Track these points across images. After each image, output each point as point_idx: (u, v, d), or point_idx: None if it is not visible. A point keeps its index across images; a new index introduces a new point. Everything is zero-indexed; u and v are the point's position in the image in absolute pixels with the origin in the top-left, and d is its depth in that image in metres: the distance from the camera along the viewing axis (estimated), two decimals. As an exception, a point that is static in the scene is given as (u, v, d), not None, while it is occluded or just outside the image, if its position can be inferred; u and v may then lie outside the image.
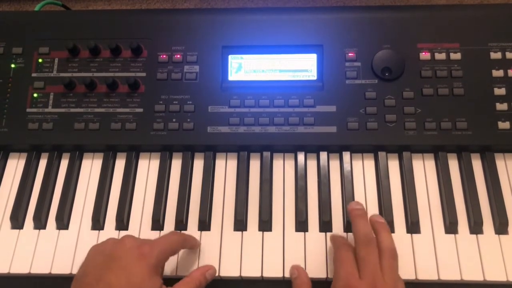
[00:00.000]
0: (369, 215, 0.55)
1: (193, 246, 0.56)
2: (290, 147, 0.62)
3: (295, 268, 0.54)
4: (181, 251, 0.56)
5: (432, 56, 0.63)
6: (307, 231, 0.58)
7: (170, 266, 0.55)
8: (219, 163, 0.63)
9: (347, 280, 0.48)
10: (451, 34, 0.64)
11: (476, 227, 0.56)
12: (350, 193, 0.59)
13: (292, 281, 0.54)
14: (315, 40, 0.65)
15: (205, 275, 0.52)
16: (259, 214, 0.59)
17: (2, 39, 0.67)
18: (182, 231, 0.58)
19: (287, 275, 0.55)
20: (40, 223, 0.60)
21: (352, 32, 0.65)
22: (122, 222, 0.59)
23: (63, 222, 0.59)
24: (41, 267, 0.57)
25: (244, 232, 0.58)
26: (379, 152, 0.62)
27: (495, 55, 0.62)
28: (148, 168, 0.63)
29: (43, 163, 0.64)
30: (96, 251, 0.50)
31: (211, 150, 0.63)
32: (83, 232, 0.59)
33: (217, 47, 0.65)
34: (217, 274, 0.55)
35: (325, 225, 0.58)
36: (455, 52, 0.63)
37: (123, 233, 0.59)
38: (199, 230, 0.58)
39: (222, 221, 0.59)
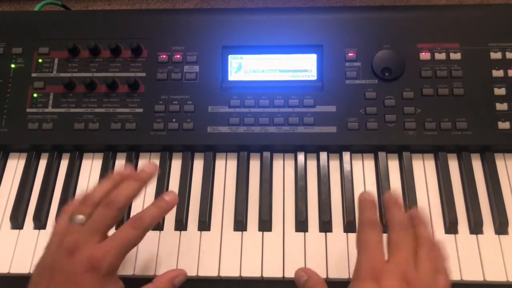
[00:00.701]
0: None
1: (163, 213, 0.50)
2: (290, 147, 0.62)
3: (302, 271, 0.50)
4: (182, 251, 0.56)
5: (432, 56, 0.63)
6: (307, 231, 0.58)
7: (170, 266, 0.55)
8: (219, 163, 0.63)
9: (372, 265, 0.42)
10: (451, 34, 0.64)
11: (476, 227, 0.56)
12: (350, 193, 0.59)
13: (304, 284, 0.49)
14: (315, 40, 0.65)
15: (172, 281, 0.49)
16: (259, 214, 0.59)
17: (2, 39, 0.67)
18: (183, 232, 0.58)
19: (287, 275, 0.55)
20: (40, 223, 0.60)
21: (352, 32, 0.65)
22: (122, 222, 0.59)
23: (63, 222, 0.59)
24: (41, 267, 0.57)
25: (244, 232, 0.58)
26: (379, 152, 0.62)
27: (495, 55, 0.62)
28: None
29: (43, 163, 0.64)
30: (46, 261, 0.45)
31: (211, 150, 0.63)
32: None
33: (217, 47, 0.65)
34: (216, 274, 0.55)
35: (325, 225, 0.58)
36: (455, 52, 0.63)
37: (123, 233, 0.59)
38: (199, 230, 0.58)
39: (222, 221, 0.59)
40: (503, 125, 0.60)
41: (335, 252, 0.56)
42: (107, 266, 0.43)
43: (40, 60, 0.66)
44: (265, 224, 0.58)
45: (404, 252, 0.43)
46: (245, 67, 0.65)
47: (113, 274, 0.45)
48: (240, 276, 0.55)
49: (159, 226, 0.59)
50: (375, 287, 0.40)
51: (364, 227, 0.46)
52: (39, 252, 0.57)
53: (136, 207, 0.60)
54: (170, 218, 0.59)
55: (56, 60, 0.66)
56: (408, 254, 0.43)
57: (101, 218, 0.46)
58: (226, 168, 0.63)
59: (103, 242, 0.45)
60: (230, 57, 0.65)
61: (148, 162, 0.49)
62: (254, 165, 0.63)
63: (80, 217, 0.46)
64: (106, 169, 0.63)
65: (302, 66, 0.64)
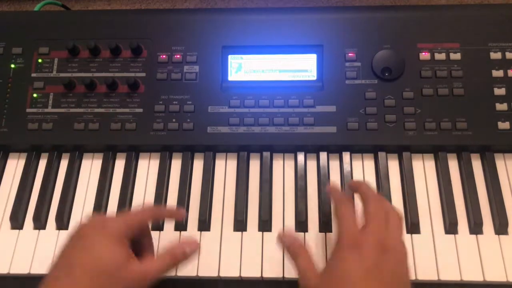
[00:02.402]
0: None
1: (172, 216, 0.55)
2: (290, 147, 0.62)
3: (280, 236, 0.51)
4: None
5: (432, 56, 0.63)
6: (307, 231, 0.58)
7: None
8: (219, 163, 0.63)
9: (353, 235, 0.47)
10: (451, 34, 0.64)
11: (476, 228, 0.56)
12: (350, 193, 0.59)
13: (287, 250, 0.50)
14: (315, 40, 0.65)
15: (185, 250, 0.49)
16: (259, 214, 0.59)
17: (2, 39, 0.67)
18: (183, 232, 0.58)
19: (287, 275, 0.55)
20: (40, 223, 0.60)
21: (352, 32, 0.65)
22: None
23: (63, 222, 0.59)
24: (40, 267, 0.57)
25: (244, 232, 0.58)
26: (379, 152, 0.62)
27: (495, 55, 0.62)
28: (148, 168, 0.63)
29: (43, 163, 0.64)
30: (68, 236, 0.49)
31: (211, 150, 0.63)
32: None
33: (217, 47, 0.65)
34: (216, 274, 0.55)
35: (325, 225, 0.58)
36: (455, 52, 0.63)
37: (123, 233, 0.59)
38: (199, 230, 0.58)
39: (222, 221, 0.59)
40: (503, 125, 0.60)
41: (335, 252, 0.56)
42: (117, 228, 0.47)
43: (40, 60, 0.66)
44: (265, 224, 0.58)
45: (378, 222, 0.48)
46: (245, 67, 0.65)
47: (123, 239, 0.47)
48: (240, 276, 0.55)
49: (159, 226, 0.59)
50: (356, 253, 0.45)
51: (339, 204, 0.51)
52: (39, 252, 0.58)
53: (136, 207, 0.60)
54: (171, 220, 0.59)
55: (56, 60, 0.66)
56: (381, 222, 0.48)
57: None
58: (226, 168, 0.63)
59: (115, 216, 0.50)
60: (230, 57, 0.65)
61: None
62: (254, 165, 0.63)
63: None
64: (106, 169, 0.63)
65: (302, 66, 0.64)
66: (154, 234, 0.58)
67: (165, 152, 0.63)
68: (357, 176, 0.61)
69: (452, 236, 0.56)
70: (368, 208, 0.49)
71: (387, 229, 0.48)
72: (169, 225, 0.59)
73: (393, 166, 0.61)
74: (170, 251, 0.49)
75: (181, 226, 0.59)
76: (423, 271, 0.54)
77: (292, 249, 0.50)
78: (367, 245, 0.45)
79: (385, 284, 0.43)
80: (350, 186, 0.55)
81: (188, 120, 0.62)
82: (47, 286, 0.44)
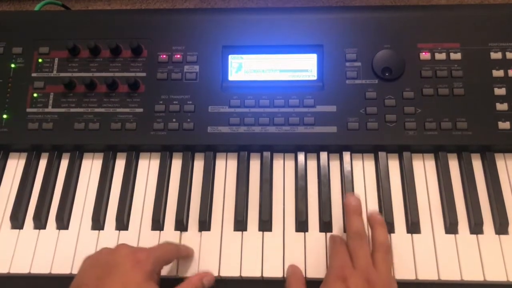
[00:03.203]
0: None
1: (188, 255, 0.56)
2: (290, 147, 0.62)
3: (290, 266, 0.55)
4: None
5: (432, 56, 0.63)
6: (307, 231, 0.58)
7: (171, 267, 0.55)
8: (219, 163, 0.63)
9: (341, 269, 0.49)
10: (451, 34, 0.64)
11: (476, 227, 0.56)
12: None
13: (287, 278, 0.54)
14: (315, 40, 0.65)
15: (202, 280, 0.52)
16: (259, 214, 0.59)
17: (2, 39, 0.67)
18: (183, 232, 0.58)
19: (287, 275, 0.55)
20: (40, 223, 0.60)
21: (352, 32, 0.65)
22: (122, 222, 0.59)
23: (63, 222, 0.59)
24: (41, 267, 0.57)
25: (244, 232, 0.58)
26: (379, 152, 0.62)
27: (495, 55, 0.62)
28: (148, 168, 0.63)
29: (43, 163, 0.64)
30: (91, 262, 0.49)
31: (211, 150, 0.63)
32: (83, 232, 0.59)
33: (217, 47, 0.65)
34: (216, 274, 0.55)
35: (325, 225, 0.58)
36: (455, 52, 0.63)
37: (123, 233, 0.59)
38: (199, 230, 0.58)
39: (222, 221, 0.59)
40: (503, 125, 0.60)
41: (335, 252, 0.56)
42: (151, 264, 0.48)
43: (40, 60, 0.66)
44: (265, 224, 0.58)
45: (363, 259, 0.50)
46: (245, 67, 0.65)
47: (154, 274, 0.49)
48: (240, 276, 0.55)
49: (159, 227, 0.59)
50: (342, 286, 0.47)
51: (335, 242, 0.53)
52: (39, 252, 0.57)
53: (136, 207, 0.60)
54: (170, 218, 0.59)
55: (56, 60, 0.66)
56: (366, 258, 0.50)
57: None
58: (226, 168, 0.63)
59: (144, 248, 0.51)
60: (230, 57, 0.65)
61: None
62: (254, 165, 0.62)
63: None
64: (106, 169, 0.63)
65: (302, 66, 0.64)
66: (155, 234, 0.58)
67: (165, 152, 0.63)
68: (358, 176, 0.61)
69: (452, 236, 0.56)
70: (350, 245, 0.51)
71: (374, 263, 0.49)
72: (169, 225, 0.59)
73: (394, 166, 0.61)
74: (189, 284, 0.51)
75: (181, 226, 0.58)
76: (423, 271, 0.54)
77: (289, 278, 0.53)
78: (354, 279, 0.47)
79: None
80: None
81: (188, 120, 0.62)
82: None
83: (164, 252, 0.52)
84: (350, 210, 0.54)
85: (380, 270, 0.49)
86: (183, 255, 0.56)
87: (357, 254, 0.50)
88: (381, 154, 0.62)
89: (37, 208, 0.60)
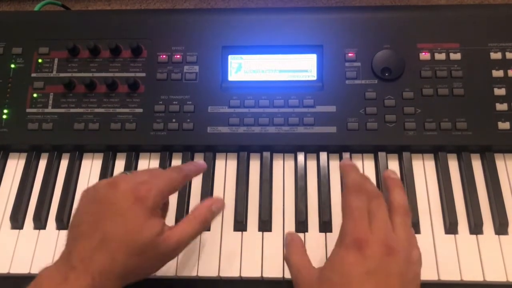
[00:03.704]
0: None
1: (197, 172, 0.52)
2: (290, 147, 0.62)
3: (288, 234, 0.52)
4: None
5: (432, 56, 0.63)
6: (307, 231, 0.58)
7: (170, 267, 0.55)
8: (219, 163, 0.63)
9: (357, 233, 0.43)
10: (451, 34, 0.64)
11: (476, 228, 0.56)
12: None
13: (286, 247, 0.50)
14: (315, 40, 0.65)
15: (211, 208, 0.49)
16: (259, 214, 0.59)
17: (2, 39, 0.67)
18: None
19: (287, 275, 0.55)
20: (40, 223, 0.60)
21: (352, 32, 0.65)
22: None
23: (63, 222, 0.59)
24: (41, 267, 0.56)
25: (244, 232, 0.58)
26: (379, 153, 0.62)
27: (495, 55, 0.62)
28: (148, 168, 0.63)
29: (43, 163, 0.64)
30: (88, 198, 0.46)
31: (211, 150, 0.63)
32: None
33: (217, 47, 0.65)
34: (216, 275, 0.55)
35: (325, 225, 0.58)
36: (455, 52, 0.63)
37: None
38: (199, 230, 0.58)
39: (222, 221, 0.59)
40: (503, 125, 0.60)
41: (335, 252, 0.56)
42: (152, 200, 0.45)
43: (40, 60, 0.66)
44: (265, 224, 0.58)
45: (381, 221, 0.44)
46: (245, 67, 0.65)
47: (157, 209, 0.46)
48: (240, 276, 0.55)
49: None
50: (358, 256, 0.41)
51: (349, 192, 0.47)
52: (39, 252, 0.57)
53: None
54: (170, 218, 0.59)
55: (56, 60, 0.66)
56: (384, 223, 0.44)
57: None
58: (226, 168, 0.63)
59: (146, 177, 0.47)
60: (230, 57, 0.65)
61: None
62: (254, 165, 0.62)
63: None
64: (106, 169, 0.63)
65: (302, 66, 0.64)
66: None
67: (165, 152, 0.63)
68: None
69: (452, 236, 0.56)
70: (368, 207, 0.45)
71: (393, 227, 0.44)
72: (169, 225, 0.59)
73: (393, 166, 0.61)
74: (197, 213, 0.48)
75: (181, 226, 0.59)
76: (423, 271, 0.54)
77: (288, 246, 0.49)
78: (371, 246, 0.42)
79: None
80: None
81: (188, 120, 0.62)
82: (79, 253, 0.42)
83: (168, 182, 0.47)
84: (351, 169, 0.49)
85: (400, 236, 0.44)
86: (192, 176, 0.52)
87: (375, 216, 0.44)
88: (381, 154, 0.62)
89: (37, 208, 0.60)
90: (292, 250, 0.49)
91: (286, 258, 0.49)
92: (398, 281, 0.41)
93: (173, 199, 0.60)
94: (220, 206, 0.50)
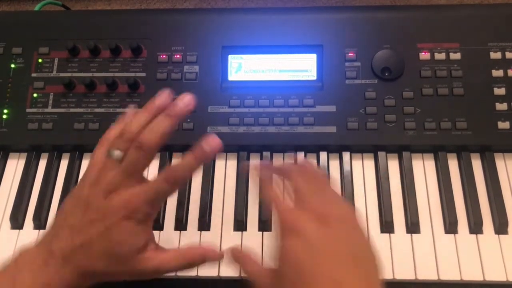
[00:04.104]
0: (369, 216, 0.56)
1: (199, 163, 0.48)
2: (290, 147, 0.62)
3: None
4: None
5: (432, 56, 0.63)
6: (307, 231, 0.58)
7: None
8: (219, 163, 0.63)
9: (287, 219, 0.43)
10: (451, 34, 0.64)
11: (476, 227, 0.56)
12: (350, 193, 0.59)
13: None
14: (315, 40, 0.65)
15: (204, 258, 0.47)
16: (259, 214, 0.59)
17: (2, 39, 0.67)
18: (183, 232, 0.58)
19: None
20: (40, 223, 0.60)
21: (352, 32, 0.65)
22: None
23: (63, 222, 0.59)
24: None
25: (244, 232, 0.58)
26: (379, 152, 0.62)
27: (495, 55, 0.62)
28: (147, 168, 0.63)
29: (43, 163, 0.64)
30: (81, 198, 0.45)
31: (211, 150, 0.63)
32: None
33: (217, 47, 0.65)
34: (216, 275, 0.55)
35: (325, 225, 0.58)
36: (455, 52, 0.63)
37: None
38: (198, 230, 0.58)
39: (222, 221, 0.59)
40: (503, 125, 0.60)
41: (335, 252, 0.56)
42: (142, 215, 0.44)
43: (40, 60, 0.66)
44: (265, 224, 0.58)
45: (308, 194, 0.44)
46: (245, 67, 0.65)
47: (146, 221, 0.45)
48: (240, 276, 0.55)
49: (159, 226, 0.59)
50: (297, 240, 0.40)
51: (263, 185, 0.49)
52: (39, 252, 0.57)
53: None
54: (170, 218, 0.59)
55: (56, 60, 0.66)
56: (311, 194, 0.44)
57: (135, 161, 0.45)
58: (226, 168, 0.63)
59: (138, 188, 0.45)
60: (230, 57, 0.65)
61: (184, 94, 0.48)
62: (254, 165, 0.63)
63: (117, 152, 0.45)
64: (106, 169, 0.63)
65: (302, 66, 0.64)
66: (154, 234, 0.58)
67: (165, 152, 0.63)
68: (357, 176, 0.61)
69: (452, 235, 0.56)
70: (295, 184, 0.45)
71: (321, 197, 0.43)
72: (169, 225, 0.59)
73: (393, 166, 0.61)
74: (189, 254, 0.46)
75: (181, 225, 0.59)
76: (422, 271, 0.54)
77: (237, 263, 0.48)
78: (304, 222, 0.41)
79: (341, 257, 0.39)
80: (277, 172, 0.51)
81: (188, 120, 0.62)
82: (61, 248, 0.42)
83: (158, 191, 0.45)
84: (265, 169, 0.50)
85: (331, 201, 0.44)
86: (187, 177, 0.50)
87: (301, 190, 0.44)
88: (381, 154, 0.62)
89: (37, 208, 0.60)
90: (242, 264, 0.47)
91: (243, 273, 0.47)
92: (345, 244, 0.40)
93: (173, 199, 0.60)
94: (215, 259, 0.48)
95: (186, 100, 0.48)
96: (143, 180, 0.47)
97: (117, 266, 0.44)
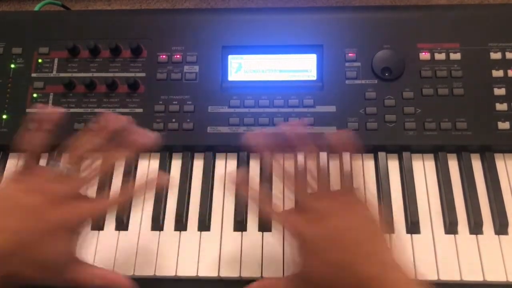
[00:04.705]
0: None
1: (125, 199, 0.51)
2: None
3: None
4: (181, 251, 0.56)
5: (432, 56, 0.63)
6: (307, 231, 0.58)
7: (170, 267, 0.55)
8: (219, 163, 0.63)
9: (292, 229, 0.45)
10: (451, 34, 0.64)
11: (476, 228, 0.56)
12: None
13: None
14: (315, 40, 0.65)
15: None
16: (259, 214, 0.59)
17: (2, 39, 0.67)
18: (183, 232, 0.58)
19: (287, 275, 0.55)
20: (40, 223, 0.60)
21: (352, 32, 0.65)
22: (122, 222, 0.59)
23: (63, 222, 0.59)
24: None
25: (244, 232, 0.58)
26: (379, 152, 0.62)
27: (495, 55, 0.62)
28: (148, 168, 0.63)
29: (43, 163, 0.64)
30: (18, 199, 0.44)
31: (211, 150, 0.63)
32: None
33: (217, 47, 0.65)
34: (216, 275, 0.55)
35: (325, 225, 0.58)
36: (455, 52, 0.63)
37: (122, 233, 0.59)
38: (198, 230, 0.58)
39: (222, 221, 0.59)
40: (503, 125, 0.60)
41: (335, 252, 0.56)
42: (76, 226, 0.45)
43: (40, 60, 0.66)
44: (265, 224, 0.58)
45: (302, 197, 0.47)
46: (245, 67, 0.65)
47: (76, 234, 0.46)
48: (240, 276, 0.55)
49: (159, 226, 0.59)
50: (304, 247, 0.43)
51: (261, 202, 0.49)
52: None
53: (136, 207, 0.60)
54: (170, 218, 0.59)
55: (56, 60, 0.66)
56: (305, 196, 0.47)
57: (82, 179, 0.48)
58: (226, 168, 0.63)
59: (80, 204, 0.46)
60: (230, 57, 0.65)
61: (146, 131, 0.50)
62: (254, 165, 0.62)
63: (65, 167, 0.48)
64: (106, 169, 0.63)
65: (302, 66, 0.64)
66: (154, 234, 0.58)
67: (165, 152, 0.63)
68: (357, 175, 0.61)
69: (452, 236, 0.56)
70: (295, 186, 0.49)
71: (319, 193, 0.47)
72: (169, 225, 0.59)
73: (393, 166, 0.61)
74: (110, 276, 0.47)
75: (181, 226, 0.58)
76: (423, 271, 0.54)
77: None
78: (310, 229, 0.43)
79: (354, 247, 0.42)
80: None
81: (188, 120, 0.62)
82: None
83: (93, 211, 0.47)
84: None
85: (325, 202, 0.46)
86: (113, 205, 0.50)
87: (297, 206, 0.47)
88: (381, 154, 0.62)
89: (37, 208, 0.60)
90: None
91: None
92: (351, 235, 0.43)
93: (173, 198, 0.60)
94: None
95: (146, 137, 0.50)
96: (84, 196, 0.48)
97: (46, 273, 0.43)
